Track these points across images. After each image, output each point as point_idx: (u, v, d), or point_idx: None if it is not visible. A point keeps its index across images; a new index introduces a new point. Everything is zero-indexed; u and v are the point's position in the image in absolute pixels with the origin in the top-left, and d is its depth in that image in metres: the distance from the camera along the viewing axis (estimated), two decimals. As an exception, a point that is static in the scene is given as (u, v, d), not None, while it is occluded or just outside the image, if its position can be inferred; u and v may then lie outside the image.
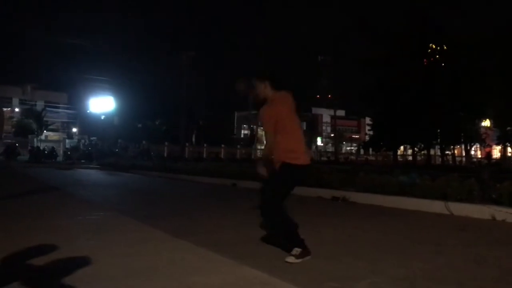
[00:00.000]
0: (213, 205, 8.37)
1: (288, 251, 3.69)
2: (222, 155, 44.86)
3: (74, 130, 57.57)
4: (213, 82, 55.16)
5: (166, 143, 42.56)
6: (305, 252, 3.63)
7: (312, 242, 4.59)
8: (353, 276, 3.30)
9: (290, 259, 3.58)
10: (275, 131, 3.63)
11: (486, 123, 50.40)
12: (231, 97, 58.35)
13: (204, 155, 42.79)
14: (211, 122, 56.53)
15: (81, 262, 3.54)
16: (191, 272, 3.26)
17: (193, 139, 55.42)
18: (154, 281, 3.06)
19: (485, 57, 33.59)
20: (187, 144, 46.35)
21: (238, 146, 54.51)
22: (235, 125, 67.54)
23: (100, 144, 41.37)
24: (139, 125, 53.27)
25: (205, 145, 45.97)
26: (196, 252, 3.99)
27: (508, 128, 41.19)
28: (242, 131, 67.56)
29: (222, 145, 47.67)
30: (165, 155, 39.03)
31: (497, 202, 6.33)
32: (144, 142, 42.11)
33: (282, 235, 3.82)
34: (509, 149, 44.23)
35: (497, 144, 47.00)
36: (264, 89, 3.77)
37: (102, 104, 50.60)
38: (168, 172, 18.35)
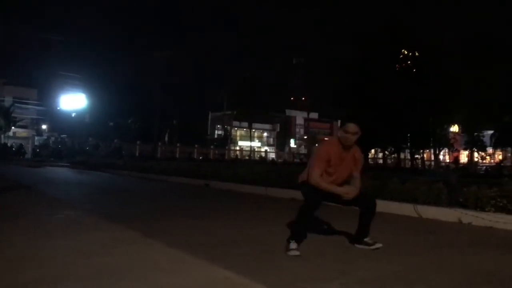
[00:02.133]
0: (185, 205, 8.31)
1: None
2: (195, 155, 44.64)
3: (44, 127, 56.20)
4: (187, 82, 54.73)
5: (138, 142, 42.08)
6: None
7: (284, 243, 4.62)
8: (323, 277, 3.33)
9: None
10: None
11: (455, 128, 51.70)
12: (206, 97, 58.20)
13: (177, 155, 42.50)
14: (184, 122, 56.15)
15: (49, 262, 3.46)
16: (162, 273, 3.23)
17: (166, 139, 54.95)
18: (124, 281, 3.02)
19: (455, 65, 34.44)
20: (159, 143, 45.94)
21: (212, 147, 54.36)
22: (209, 125, 67.26)
23: (70, 142, 40.58)
24: (111, 124, 52.46)
25: (178, 144, 45.64)
26: (167, 252, 3.95)
27: (476, 133, 42.35)
28: (216, 132, 67.34)
29: (196, 145, 47.43)
30: (137, 154, 38.59)
31: (464, 205, 6.49)
32: (115, 140, 41.53)
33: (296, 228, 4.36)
34: (475, 154, 45.44)
35: (465, 149, 48.25)
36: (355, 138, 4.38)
37: (73, 101, 49.67)
38: (140, 171, 18.15)
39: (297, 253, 4.03)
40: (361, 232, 4.45)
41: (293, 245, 4.12)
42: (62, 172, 19.37)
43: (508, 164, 41.77)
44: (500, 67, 33.17)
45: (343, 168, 4.41)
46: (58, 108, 52.01)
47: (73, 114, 50.15)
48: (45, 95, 54.34)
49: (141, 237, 4.64)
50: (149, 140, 44.57)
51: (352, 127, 4.34)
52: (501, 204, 6.11)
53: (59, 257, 3.57)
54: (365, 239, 4.40)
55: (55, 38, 54.09)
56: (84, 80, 52.20)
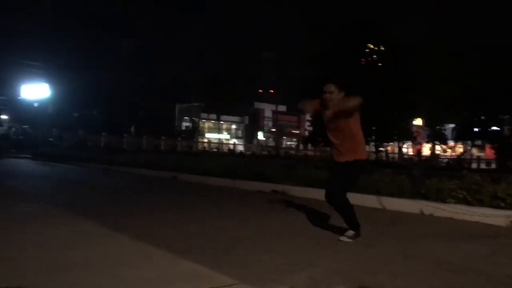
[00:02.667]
0: (152, 198, 8.24)
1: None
2: (162, 147, 44.16)
3: (4, 117, 54.24)
4: (154, 73, 53.91)
5: (103, 134, 41.23)
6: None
7: (251, 235, 4.66)
8: (291, 268, 3.38)
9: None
10: (348, 121, 4.45)
11: (418, 122, 52.97)
12: (173, 88, 57.51)
13: (144, 147, 41.89)
14: (151, 113, 55.37)
15: (9, 256, 3.38)
16: (127, 266, 3.20)
17: (132, 130, 54.11)
18: (88, 275, 2.97)
19: (419, 60, 35.22)
20: (126, 135, 45.20)
21: (179, 138, 53.86)
22: (177, 117, 66.60)
23: (32, 133, 39.40)
24: (75, 114, 51.17)
25: (144, 136, 44.99)
26: (133, 246, 3.91)
27: (438, 127, 43.54)
28: (184, 123, 66.77)
29: (163, 137, 46.90)
30: (103, 145, 37.84)
31: (426, 197, 6.70)
32: (80, 131, 40.59)
33: (346, 218, 4.49)
34: (437, 147, 46.73)
35: (427, 142, 49.54)
36: (340, 96, 4.49)
37: (35, 91, 48.15)
38: (106, 163, 17.82)
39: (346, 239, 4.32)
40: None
41: (350, 232, 4.37)
42: (24, 164, 18.81)
43: (468, 157, 43.18)
44: (461, 64, 34.16)
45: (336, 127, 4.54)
46: (20, 97, 50.30)
47: (36, 104, 48.60)
48: (5, 84, 52.38)
49: (107, 231, 4.57)
50: (115, 132, 43.73)
51: (325, 86, 4.57)
52: (461, 195, 6.34)
53: (19, 252, 3.48)
54: (349, 232, 4.48)
55: (16, 25, 52.15)
56: (47, 69, 50.64)
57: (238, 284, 2.85)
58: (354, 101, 4.37)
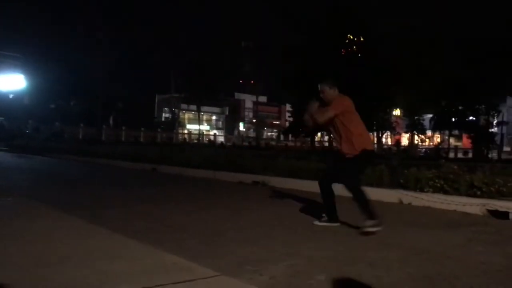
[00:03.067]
0: (132, 190, 8.15)
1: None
2: (141, 139, 43.76)
3: (-22, 109, 52.99)
4: (133, 63, 53.15)
5: (81, 125, 40.63)
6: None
7: (231, 226, 4.65)
8: (271, 259, 3.39)
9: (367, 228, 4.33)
10: (341, 120, 4.58)
11: (397, 112, 53.62)
12: (153, 79, 56.87)
13: (123, 138, 41.43)
14: (130, 104, 54.70)
15: (-15, 251, 3.30)
16: (107, 259, 3.16)
17: (111, 122, 53.41)
18: (67, 269, 2.92)
19: (398, 51, 35.53)
20: (104, 126, 44.64)
21: (159, 130, 53.43)
22: (156, 108, 65.93)
23: (7, 125, 38.57)
24: (52, 106, 50.25)
25: (123, 128, 44.47)
26: (113, 239, 3.86)
27: (416, 117, 44.15)
28: (163, 115, 66.16)
29: (142, 129, 46.46)
30: (80, 137, 37.32)
31: (404, 186, 6.79)
32: (57, 123, 39.92)
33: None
34: (416, 137, 47.43)
35: (406, 132, 50.24)
36: (333, 92, 4.71)
37: (10, 82, 47.06)
38: (84, 155, 17.58)
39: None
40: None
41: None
42: (-1, 157, 18.42)
43: (446, 146, 43.93)
44: (438, 56, 34.59)
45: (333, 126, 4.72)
46: (-6, 89, 49.12)
47: (11, 96, 47.53)
48: (-21, 75, 51.08)
49: (85, 223, 4.50)
50: (93, 123, 43.14)
51: (319, 87, 4.78)
52: (439, 185, 6.44)
53: (-4, 246, 3.41)
54: (368, 221, 4.38)
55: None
56: (23, 60, 49.52)
57: (219, 275, 2.84)
58: (322, 116, 4.62)
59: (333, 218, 4.77)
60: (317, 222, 4.75)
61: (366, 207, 4.41)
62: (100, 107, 42.11)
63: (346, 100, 4.69)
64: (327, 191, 4.80)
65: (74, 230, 4.15)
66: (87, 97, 48.17)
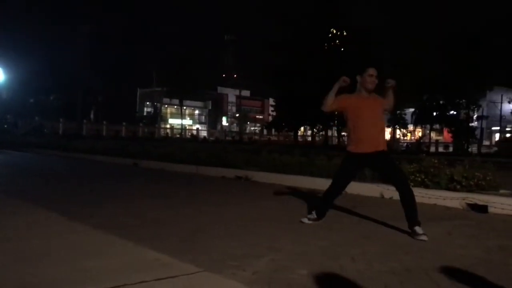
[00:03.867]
0: (113, 186, 8.07)
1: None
2: (123, 133, 43.36)
3: (-46, 103, 51.71)
4: (114, 57, 52.47)
5: (61, 120, 40.06)
6: None
7: (214, 222, 4.64)
8: (253, 254, 3.38)
9: None
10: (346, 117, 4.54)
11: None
12: (134, 73, 56.27)
13: (104, 133, 41.02)
14: (111, 99, 54.08)
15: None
16: (86, 256, 3.12)
17: (92, 116, 52.76)
18: (46, 266, 2.88)
19: (380, 46, 35.78)
20: (85, 121, 44.09)
21: (141, 124, 52.99)
22: (138, 102, 65.29)
23: (-15, 120, 37.81)
24: (31, 100, 49.39)
25: (104, 122, 43.98)
26: (93, 235, 3.82)
27: (398, 111, 44.57)
28: (145, 109, 65.58)
29: (124, 123, 46.02)
30: (61, 132, 36.81)
31: (386, 181, 6.84)
32: (36, 118, 39.27)
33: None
34: (397, 131, 47.91)
35: (388, 126, 50.71)
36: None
37: (-13, 76, 46.01)
38: (64, 150, 17.35)
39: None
40: (409, 217, 4.22)
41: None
42: (-24, 152, 18.04)
43: (427, 140, 44.49)
44: (420, 50, 34.92)
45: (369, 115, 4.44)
46: (-29, 83, 48.04)
47: (-12, 90, 46.56)
48: (-46, 68, 49.79)
49: (65, 220, 4.44)
50: (74, 118, 42.59)
51: (370, 69, 4.60)
52: (419, 179, 6.52)
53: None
54: (416, 227, 4.12)
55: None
56: (0, 53, 48.46)
57: (201, 271, 2.83)
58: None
59: (322, 215, 4.67)
60: (305, 220, 4.65)
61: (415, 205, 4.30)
62: (80, 101, 41.50)
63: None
64: (341, 191, 4.80)
65: (54, 227, 4.09)
66: (67, 91, 47.48)
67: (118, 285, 2.51)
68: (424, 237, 3.98)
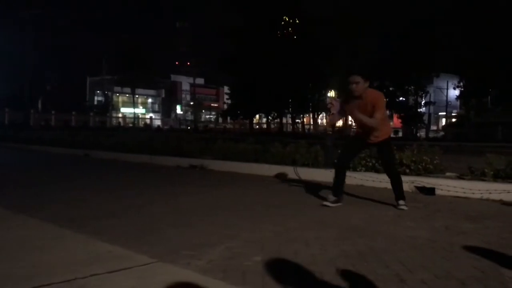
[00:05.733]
0: (62, 178, 7.81)
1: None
2: (73, 123, 42.04)
3: None
4: (62, 45, 50.54)
5: (6, 110, 38.33)
6: None
7: (169, 211, 4.59)
8: (208, 243, 3.38)
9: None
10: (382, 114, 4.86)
11: (332, 93, 55.05)
12: (83, 61, 54.47)
13: (53, 123, 39.61)
14: (60, 87, 52.17)
15: None
16: (38, 250, 3.01)
17: (39, 106, 50.73)
18: (-5, 263, 2.76)
19: (332, 33, 36.23)
20: (32, 110, 42.38)
21: (91, 114, 51.49)
22: (88, 91, 63.29)
23: None
24: (-27, 89, 46.88)
25: (53, 112, 42.44)
26: (43, 228, 3.69)
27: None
28: (96, 98, 63.68)
29: (73, 112, 44.60)
30: (6, 122, 35.25)
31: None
32: (-21, 108, 37.38)
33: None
34: (349, 117, 49.01)
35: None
36: (366, 85, 4.85)
37: None
38: (10, 141, 16.63)
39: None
40: (395, 194, 4.93)
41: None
42: None
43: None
44: (370, 39, 35.66)
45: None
46: None
47: None
48: None
49: (12, 214, 4.27)
50: (20, 107, 40.86)
51: (350, 78, 4.88)
52: (370, 164, 6.72)
53: None
54: (400, 201, 4.84)
55: None
56: None
57: (156, 262, 2.80)
58: (375, 122, 4.76)
59: (341, 197, 5.03)
60: (328, 203, 4.90)
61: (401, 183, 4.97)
62: (27, 90, 39.77)
63: (383, 97, 5.02)
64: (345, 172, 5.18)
65: (1, 221, 3.92)
66: (13, 80, 45.41)
67: (69, 279, 2.45)
68: (403, 207, 4.75)
